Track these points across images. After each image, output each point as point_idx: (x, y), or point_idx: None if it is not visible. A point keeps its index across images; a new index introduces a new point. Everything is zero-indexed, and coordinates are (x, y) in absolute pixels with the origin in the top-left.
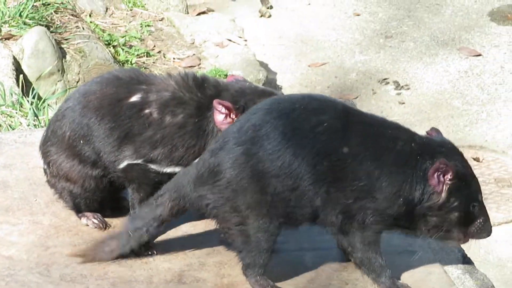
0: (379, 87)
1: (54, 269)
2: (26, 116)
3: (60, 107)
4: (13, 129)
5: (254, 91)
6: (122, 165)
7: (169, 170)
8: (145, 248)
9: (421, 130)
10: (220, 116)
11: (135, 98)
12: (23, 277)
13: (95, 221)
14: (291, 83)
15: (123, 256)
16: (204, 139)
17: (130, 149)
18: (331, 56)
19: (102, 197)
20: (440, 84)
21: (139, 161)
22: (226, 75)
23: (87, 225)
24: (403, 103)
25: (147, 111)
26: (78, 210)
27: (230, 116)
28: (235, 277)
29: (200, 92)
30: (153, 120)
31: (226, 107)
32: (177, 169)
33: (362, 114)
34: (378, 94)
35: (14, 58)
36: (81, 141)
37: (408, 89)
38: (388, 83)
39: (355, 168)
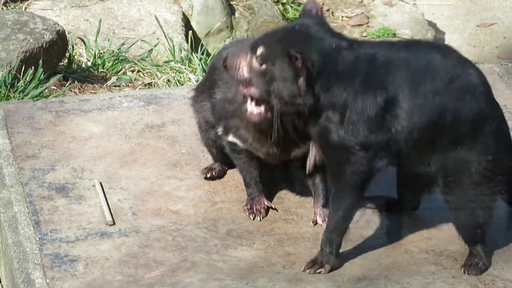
0: None
1: (220, 225)
2: (195, 72)
3: None
4: (182, 85)
5: None
6: (219, 132)
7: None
8: None
9: None
10: None
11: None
12: (190, 232)
13: (214, 172)
14: (459, 43)
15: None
16: None
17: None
18: (500, 17)
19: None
20: None
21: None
22: (394, 34)
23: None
24: None
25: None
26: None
27: None
28: None
29: None
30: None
31: None
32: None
33: None
34: None
35: (184, 14)
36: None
37: None
38: None
39: None
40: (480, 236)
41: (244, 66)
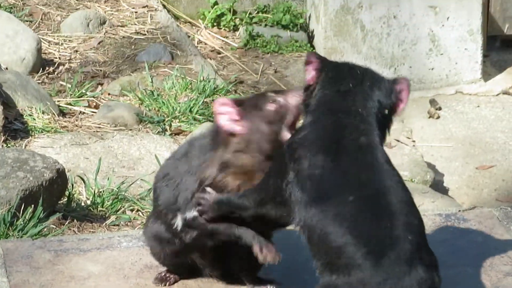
0: None
1: None
2: None
3: None
4: None
5: None
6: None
7: None
8: None
9: None
10: None
11: None
12: None
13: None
14: (458, 185)
15: None
16: None
17: None
18: (499, 159)
19: None
20: None
21: None
22: None
23: None
24: None
25: None
26: None
27: None
28: None
29: None
30: None
31: None
32: None
33: None
34: None
35: None
36: None
37: None
38: None
39: None
40: None
41: None
